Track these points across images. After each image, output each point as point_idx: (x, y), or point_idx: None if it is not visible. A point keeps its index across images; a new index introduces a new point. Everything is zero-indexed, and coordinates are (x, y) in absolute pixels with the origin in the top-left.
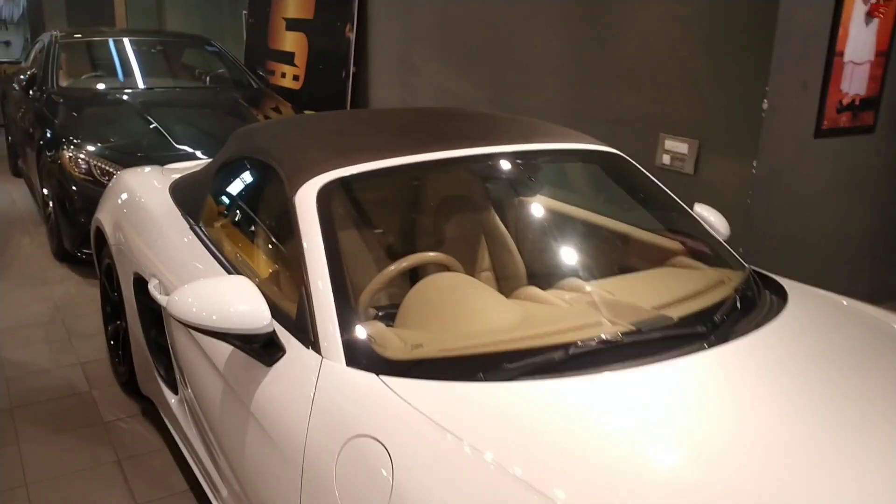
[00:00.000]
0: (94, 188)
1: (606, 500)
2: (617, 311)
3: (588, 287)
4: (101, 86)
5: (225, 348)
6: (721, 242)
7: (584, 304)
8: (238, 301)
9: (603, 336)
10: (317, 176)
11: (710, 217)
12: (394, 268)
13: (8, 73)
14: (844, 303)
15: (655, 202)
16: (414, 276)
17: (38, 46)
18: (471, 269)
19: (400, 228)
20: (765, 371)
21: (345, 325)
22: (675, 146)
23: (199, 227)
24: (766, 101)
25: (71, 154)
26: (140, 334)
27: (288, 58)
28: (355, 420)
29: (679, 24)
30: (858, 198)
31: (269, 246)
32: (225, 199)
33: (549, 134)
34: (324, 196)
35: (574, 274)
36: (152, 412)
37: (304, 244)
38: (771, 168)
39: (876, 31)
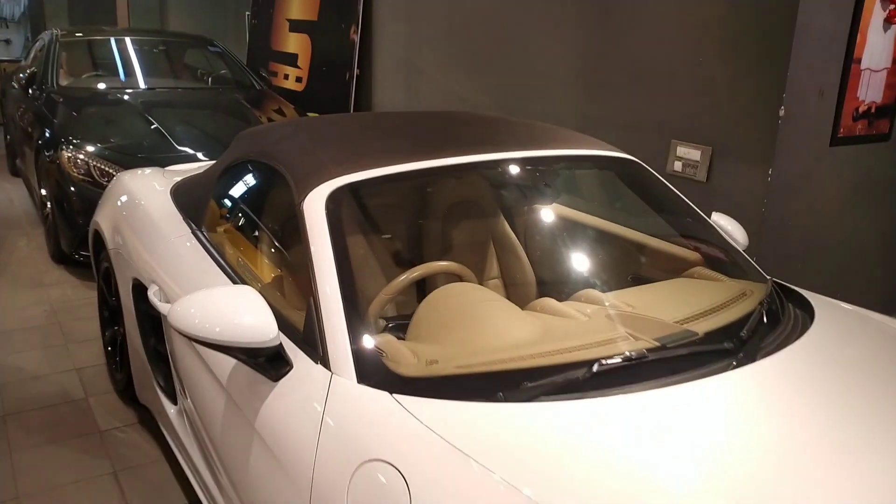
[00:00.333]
0: (93, 189)
1: None
2: (639, 326)
3: (606, 299)
4: (101, 85)
5: (228, 360)
6: (741, 253)
7: (603, 317)
8: (243, 312)
9: (627, 353)
10: (326, 181)
11: (727, 226)
12: (405, 277)
13: (8, 71)
14: (872, 317)
15: (672, 210)
16: (422, 284)
17: (38, 45)
18: (479, 277)
19: (409, 235)
20: (799, 392)
21: (355, 338)
22: (688, 153)
23: (202, 232)
24: (783, 108)
25: (70, 154)
26: (138, 341)
27: (291, 59)
28: (369, 443)
29: (695, 29)
30: (873, 206)
31: (275, 253)
32: (229, 204)
33: (562, 139)
34: (333, 202)
35: (588, 284)
36: (150, 421)
37: (313, 252)
38: (786, 176)
39: (894, 38)
